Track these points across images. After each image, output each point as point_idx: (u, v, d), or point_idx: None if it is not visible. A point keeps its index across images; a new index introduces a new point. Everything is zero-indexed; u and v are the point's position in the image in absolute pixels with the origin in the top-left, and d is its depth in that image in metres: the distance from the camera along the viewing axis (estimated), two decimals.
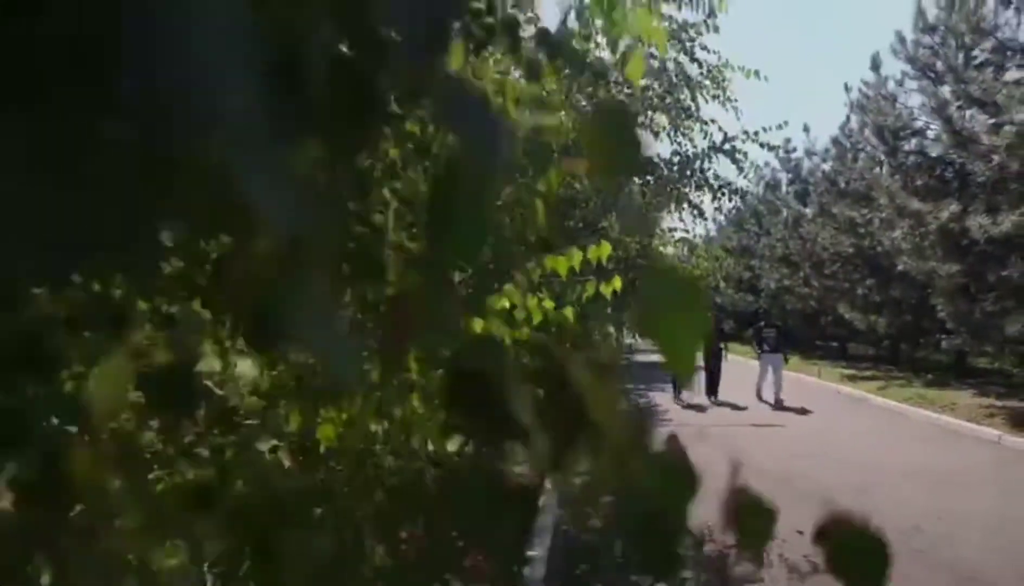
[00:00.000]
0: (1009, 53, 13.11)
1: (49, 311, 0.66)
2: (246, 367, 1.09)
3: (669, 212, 5.99)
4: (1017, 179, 11.78)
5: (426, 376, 1.84)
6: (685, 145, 5.92)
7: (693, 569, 4.52)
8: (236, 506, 0.95)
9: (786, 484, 6.35)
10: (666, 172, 5.76)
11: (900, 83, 16.15)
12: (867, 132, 17.55)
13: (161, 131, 0.28)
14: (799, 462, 7.45)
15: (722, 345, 11.95)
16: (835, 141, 20.89)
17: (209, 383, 1.02)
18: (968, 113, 13.79)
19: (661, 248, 6.49)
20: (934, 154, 14.86)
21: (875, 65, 17.45)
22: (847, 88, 18.27)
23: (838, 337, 21.82)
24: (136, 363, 0.63)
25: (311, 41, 0.38)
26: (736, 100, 6.05)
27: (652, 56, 4.46)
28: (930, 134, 15.37)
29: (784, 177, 26.40)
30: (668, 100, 5.59)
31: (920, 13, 15.21)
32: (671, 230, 7.07)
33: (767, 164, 25.48)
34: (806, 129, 36.68)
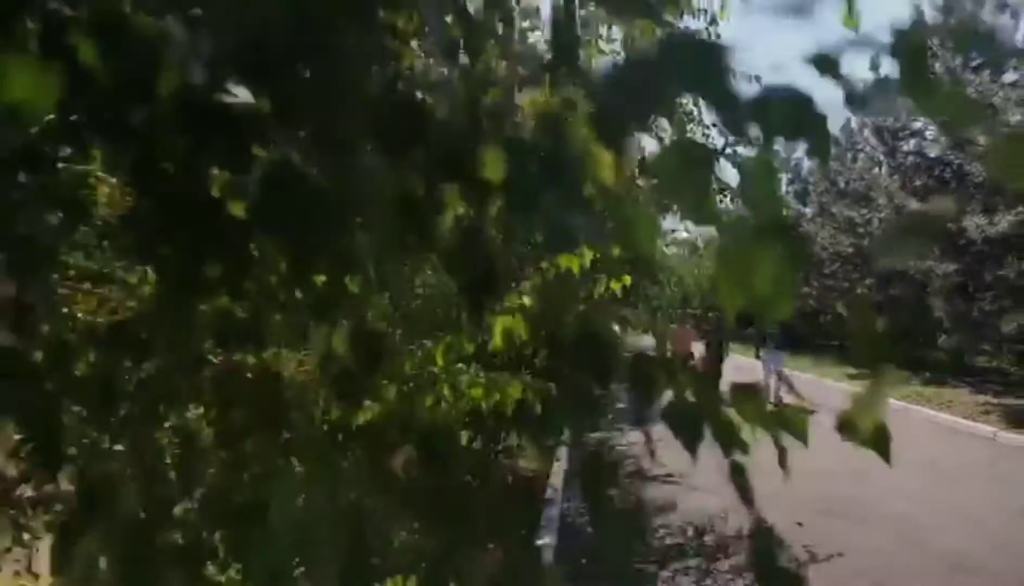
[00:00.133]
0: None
1: None
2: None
3: (672, 214, 6.15)
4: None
5: (449, 371, 2.02)
6: None
7: (695, 557, 4.70)
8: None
9: (791, 479, 6.51)
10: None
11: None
12: (866, 132, 17.75)
13: None
14: (798, 458, 7.61)
15: (722, 343, 12.09)
16: (835, 141, 21.06)
17: None
18: None
19: (664, 249, 6.67)
20: (932, 155, 15.03)
21: (874, 65, 17.63)
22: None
23: (838, 336, 21.99)
24: None
25: None
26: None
27: None
28: (928, 135, 15.54)
29: (784, 177, 26.57)
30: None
31: (919, 15, 15.39)
32: (673, 231, 7.25)
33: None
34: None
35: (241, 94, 0.41)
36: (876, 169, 17.21)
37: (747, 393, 0.78)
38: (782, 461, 0.80)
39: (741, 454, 0.92)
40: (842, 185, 18.97)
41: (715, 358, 10.98)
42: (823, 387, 14.56)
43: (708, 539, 5.07)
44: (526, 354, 2.77)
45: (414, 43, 0.82)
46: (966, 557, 4.70)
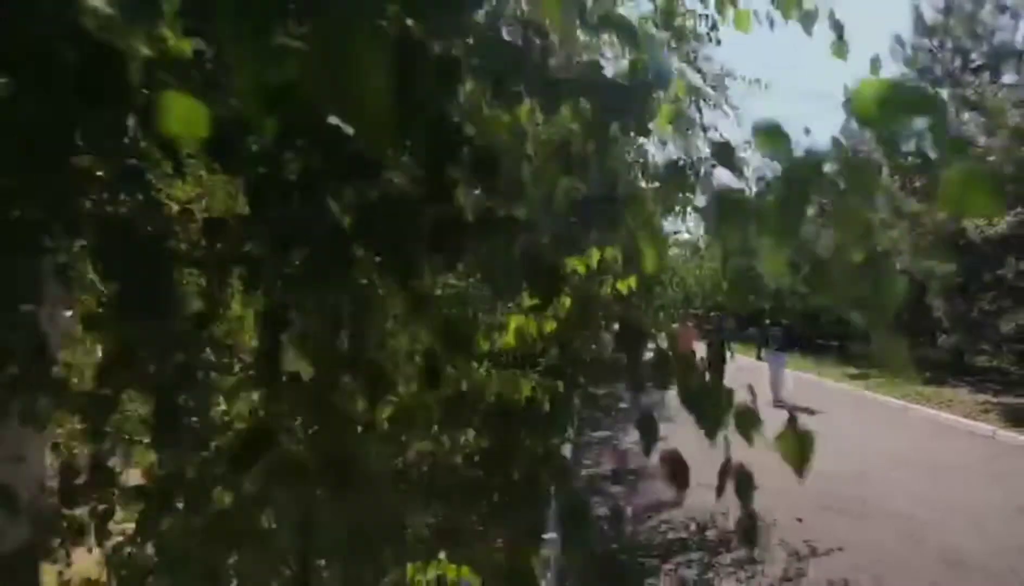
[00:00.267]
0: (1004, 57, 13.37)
1: None
2: None
3: (674, 216, 6.25)
4: (1013, 181, 12.04)
5: (468, 374, 2.12)
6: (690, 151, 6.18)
7: (698, 551, 4.80)
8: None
9: (786, 473, 6.61)
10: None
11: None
12: (866, 133, 17.80)
13: None
14: None
15: (724, 342, 12.15)
16: (835, 142, 21.10)
17: None
18: (966, 115, 14.05)
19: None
20: (933, 155, 15.08)
21: (874, 67, 17.71)
22: (847, 89, 18.52)
23: (838, 336, 22.05)
24: None
25: None
26: (737, 107, 6.32)
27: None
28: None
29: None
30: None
31: (918, 16, 15.50)
32: (675, 232, 7.35)
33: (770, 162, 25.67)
34: (807, 131, 36.93)
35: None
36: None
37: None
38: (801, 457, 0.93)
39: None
40: (842, 186, 19.04)
41: (717, 357, 11.06)
42: (823, 388, 14.64)
43: (710, 534, 5.16)
44: (531, 353, 2.86)
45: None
46: (963, 553, 4.79)
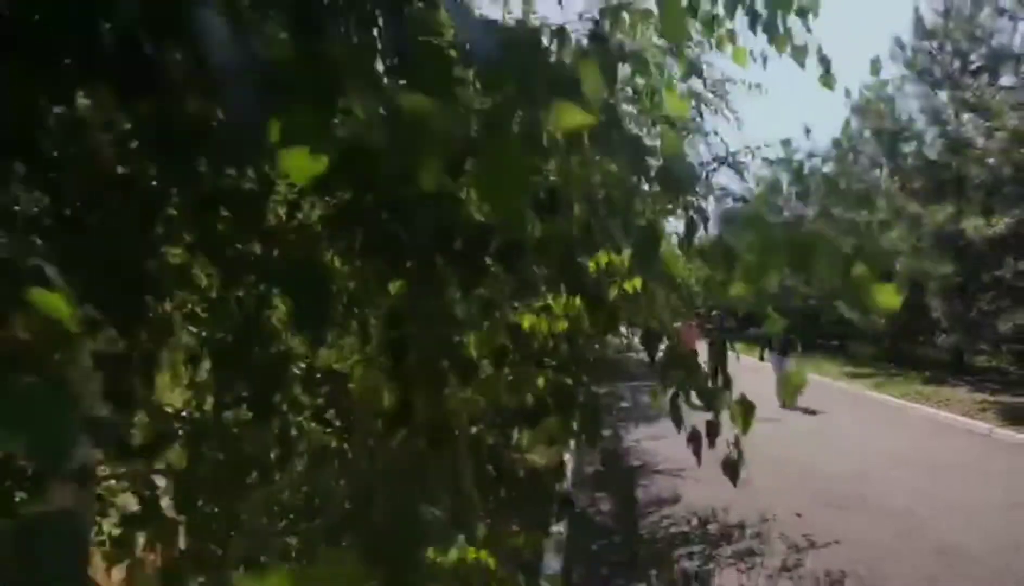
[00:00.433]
0: (1003, 60, 13.49)
1: None
2: None
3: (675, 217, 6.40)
4: (1011, 182, 12.17)
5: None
6: (690, 154, 6.35)
7: (699, 545, 4.94)
8: None
9: (787, 470, 6.77)
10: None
11: (899, 88, 16.56)
12: (866, 135, 17.95)
13: None
14: (800, 454, 7.83)
15: (727, 342, 12.19)
16: (836, 143, 21.26)
17: None
18: (964, 117, 14.19)
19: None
20: (932, 157, 15.23)
21: (875, 69, 17.87)
22: (848, 91, 18.68)
23: (838, 336, 22.18)
24: None
25: None
26: (737, 112, 6.48)
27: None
28: (928, 138, 15.75)
29: (785, 178, 26.75)
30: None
31: (918, 19, 15.61)
32: (676, 234, 7.49)
33: (771, 163, 25.84)
34: (807, 131, 37.01)
35: None
36: (876, 171, 17.41)
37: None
38: None
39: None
40: (842, 187, 19.17)
41: (719, 356, 11.15)
42: (823, 386, 14.77)
43: (711, 528, 5.31)
44: (542, 350, 3.01)
45: None
46: (958, 548, 4.92)
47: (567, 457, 6.64)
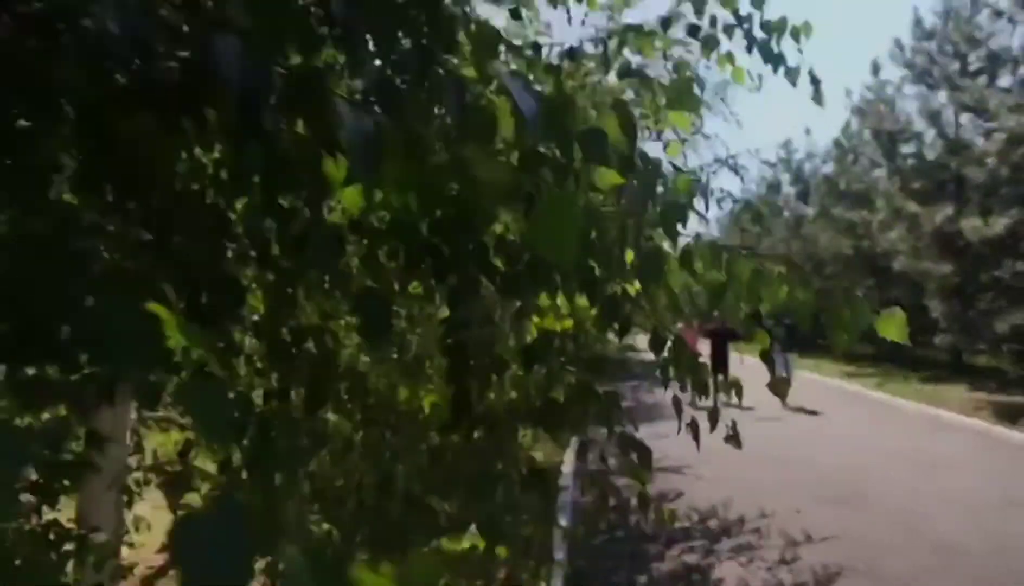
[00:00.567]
0: (1001, 62, 13.60)
1: None
2: None
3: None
4: (1008, 183, 12.29)
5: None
6: (691, 157, 6.47)
7: (701, 540, 5.07)
8: None
9: (786, 468, 6.89)
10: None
11: (899, 88, 16.69)
12: (866, 135, 18.07)
13: None
14: (800, 452, 7.96)
15: (729, 341, 12.21)
16: (836, 143, 21.39)
17: None
18: (963, 118, 14.31)
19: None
20: (931, 158, 15.34)
21: (875, 70, 18.00)
22: (848, 92, 18.83)
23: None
24: None
25: None
26: (737, 114, 6.60)
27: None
28: (927, 138, 15.86)
29: (786, 178, 26.89)
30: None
31: (918, 20, 15.73)
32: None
33: (772, 166, 25.98)
34: (807, 132, 37.16)
35: None
36: (875, 172, 17.53)
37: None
38: None
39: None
40: (842, 187, 19.29)
41: (721, 355, 11.24)
42: (823, 385, 14.90)
43: (711, 523, 5.43)
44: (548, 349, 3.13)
45: None
46: (954, 543, 5.03)
47: (567, 456, 6.77)
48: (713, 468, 6.51)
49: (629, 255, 2.13)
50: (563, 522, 4.74)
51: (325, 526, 1.90)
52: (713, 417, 1.98)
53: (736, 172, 6.70)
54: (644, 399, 10.62)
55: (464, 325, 1.10)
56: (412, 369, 2.37)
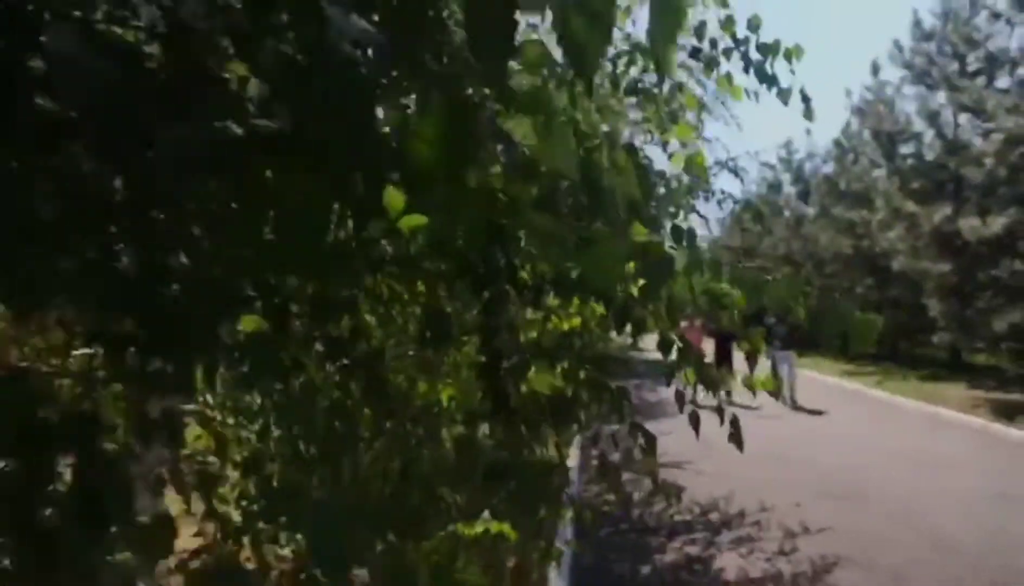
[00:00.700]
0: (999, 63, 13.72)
1: None
2: None
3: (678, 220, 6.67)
4: (1006, 183, 12.42)
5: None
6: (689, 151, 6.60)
7: (702, 532, 5.21)
8: None
9: (786, 464, 7.04)
10: (674, 184, 6.43)
11: (898, 89, 16.82)
12: (866, 136, 18.20)
13: None
14: (800, 449, 8.10)
15: (733, 340, 12.35)
16: (836, 143, 21.52)
17: None
18: (962, 118, 14.44)
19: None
20: (930, 158, 15.47)
21: (874, 71, 18.15)
22: (848, 92, 18.96)
23: (839, 334, 22.39)
24: None
25: None
26: (737, 117, 6.75)
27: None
28: (926, 139, 15.99)
29: (787, 178, 27.02)
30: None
31: (917, 22, 15.86)
32: (680, 227, 7.78)
33: (771, 168, 26.11)
34: (808, 132, 37.26)
35: None
36: (875, 172, 17.67)
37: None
38: None
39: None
40: (842, 187, 19.41)
41: (724, 354, 11.35)
42: (823, 384, 15.03)
43: (713, 517, 5.58)
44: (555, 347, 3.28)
45: None
46: (950, 536, 5.18)
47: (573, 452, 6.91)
48: (714, 464, 6.65)
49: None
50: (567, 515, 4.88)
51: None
52: (720, 413, 2.11)
53: (736, 174, 6.83)
54: (647, 397, 10.75)
55: (498, 330, 1.26)
56: (430, 365, 2.52)
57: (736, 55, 1.66)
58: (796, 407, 11.27)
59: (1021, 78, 13.40)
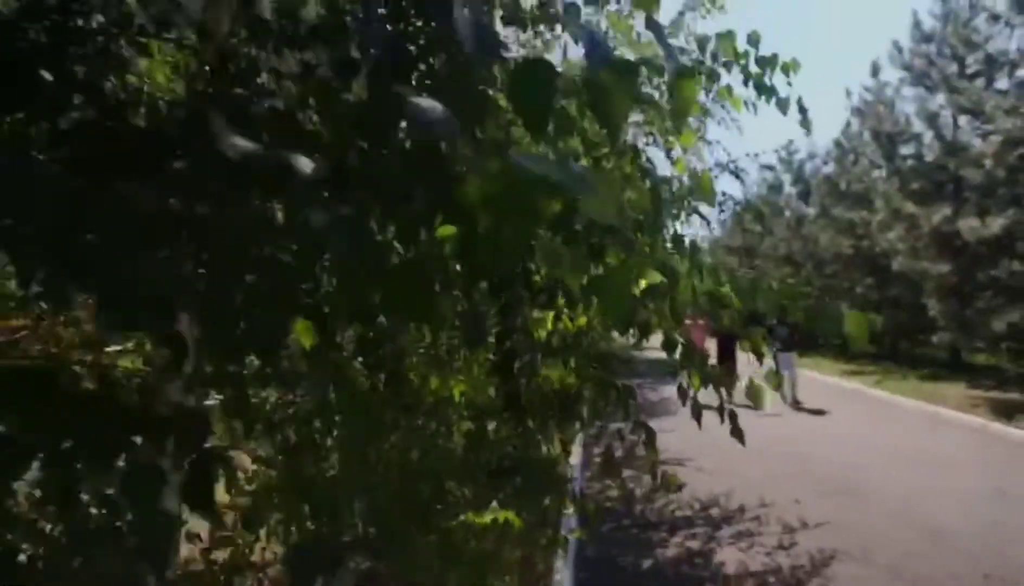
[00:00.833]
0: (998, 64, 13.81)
1: None
2: None
3: (680, 221, 6.77)
4: (1005, 184, 12.51)
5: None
6: (693, 162, 6.71)
7: (703, 527, 5.32)
8: None
9: (787, 462, 7.14)
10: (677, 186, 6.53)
11: (898, 90, 16.92)
12: (866, 137, 18.30)
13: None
14: (800, 447, 8.20)
15: (736, 340, 12.43)
16: (837, 144, 21.61)
17: None
18: (961, 120, 14.54)
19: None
20: (929, 159, 15.56)
21: (874, 72, 18.25)
22: (848, 93, 19.06)
23: (838, 334, 22.48)
24: None
25: None
26: (738, 120, 6.85)
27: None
28: (926, 140, 16.08)
29: (787, 178, 27.11)
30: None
31: (916, 23, 15.95)
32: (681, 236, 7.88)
33: (771, 170, 26.21)
34: (808, 133, 37.29)
35: None
36: (875, 172, 17.76)
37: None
38: None
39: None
40: (842, 187, 19.51)
41: (727, 353, 11.45)
42: (824, 384, 15.13)
43: (713, 512, 5.68)
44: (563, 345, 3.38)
45: None
46: (947, 531, 5.28)
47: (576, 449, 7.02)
48: (714, 461, 6.76)
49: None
50: (570, 511, 4.99)
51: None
52: (721, 411, 2.21)
53: (737, 177, 6.94)
54: (649, 396, 10.85)
55: (513, 331, 1.36)
56: (443, 362, 2.63)
57: (736, 68, 1.76)
58: (797, 406, 11.35)
59: (1020, 80, 13.49)
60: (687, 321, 2.64)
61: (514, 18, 1.80)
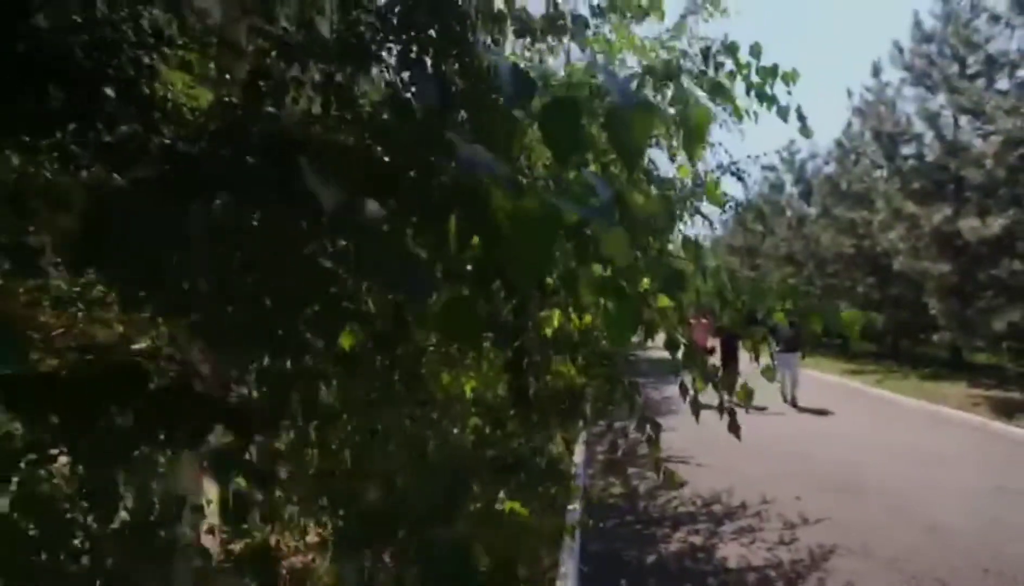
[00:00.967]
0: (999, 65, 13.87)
1: None
2: None
3: (682, 222, 6.85)
4: (1005, 184, 12.58)
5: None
6: (696, 165, 6.79)
7: (705, 523, 5.40)
8: None
9: (788, 460, 7.22)
10: (680, 187, 6.62)
11: (899, 90, 16.98)
12: (867, 137, 18.36)
13: None
14: (801, 445, 8.27)
15: (739, 339, 12.50)
16: (838, 144, 21.67)
17: None
18: (962, 120, 14.60)
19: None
20: (930, 159, 15.62)
21: (875, 72, 18.31)
22: (849, 93, 19.12)
23: (839, 334, 22.54)
24: None
25: None
26: (739, 122, 6.93)
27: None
28: (927, 140, 16.14)
29: (789, 178, 27.17)
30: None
31: (917, 24, 16.01)
32: (692, 240, 8.01)
33: (772, 170, 26.28)
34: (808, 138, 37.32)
35: None
36: (876, 172, 17.83)
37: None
38: None
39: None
40: (844, 187, 19.57)
41: (730, 352, 11.50)
42: (825, 383, 15.19)
43: (715, 508, 5.76)
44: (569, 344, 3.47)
45: None
46: (943, 525, 5.36)
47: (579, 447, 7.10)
48: (716, 459, 6.85)
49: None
50: (574, 507, 5.07)
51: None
52: (721, 409, 2.29)
53: (739, 178, 7.03)
54: (651, 395, 10.92)
55: (525, 330, 1.45)
56: (454, 359, 2.71)
57: (739, 77, 1.84)
58: (798, 405, 11.41)
59: (1020, 80, 13.55)
60: (691, 321, 2.71)
61: (525, 30, 1.89)
